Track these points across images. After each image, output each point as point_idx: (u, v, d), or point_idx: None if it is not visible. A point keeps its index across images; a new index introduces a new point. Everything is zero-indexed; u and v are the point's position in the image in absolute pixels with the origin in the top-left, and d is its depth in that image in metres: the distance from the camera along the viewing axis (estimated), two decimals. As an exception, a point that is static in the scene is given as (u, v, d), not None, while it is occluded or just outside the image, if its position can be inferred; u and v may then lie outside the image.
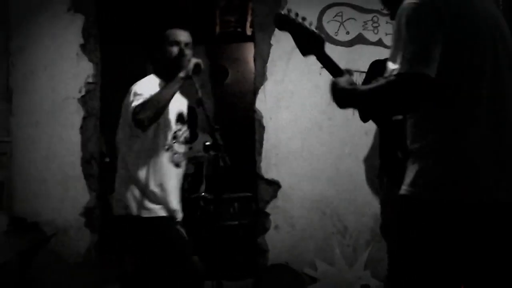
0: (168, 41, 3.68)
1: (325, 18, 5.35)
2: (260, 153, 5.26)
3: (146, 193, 3.54)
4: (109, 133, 6.41)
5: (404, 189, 2.25)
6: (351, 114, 5.24)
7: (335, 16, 5.37)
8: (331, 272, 5.24)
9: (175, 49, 3.65)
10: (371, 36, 5.35)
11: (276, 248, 5.23)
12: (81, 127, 5.20)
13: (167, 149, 3.63)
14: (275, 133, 5.24)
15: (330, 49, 5.25)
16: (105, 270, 5.45)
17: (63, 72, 5.20)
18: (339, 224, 5.29)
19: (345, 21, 5.38)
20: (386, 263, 5.24)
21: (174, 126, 3.68)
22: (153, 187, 3.56)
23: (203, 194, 5.90)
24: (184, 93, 3.84)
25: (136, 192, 3.55)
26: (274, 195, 5.24)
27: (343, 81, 2.49)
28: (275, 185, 5.24)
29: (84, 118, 5.20)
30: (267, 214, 5.22)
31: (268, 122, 5.22)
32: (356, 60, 5.30)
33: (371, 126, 5.26)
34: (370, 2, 5.33)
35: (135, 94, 3.47)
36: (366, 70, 5.01)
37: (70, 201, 5.16)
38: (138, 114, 3.36)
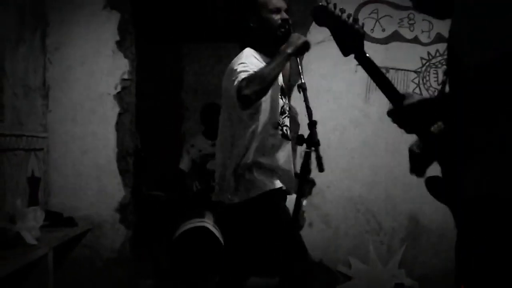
0: (266, 8, 3.41)
1: (360, 16, 5.32)
2: (295, 151, 5.25)
3: (263, 172, 3.37)
4: (144, 129, 6.51)
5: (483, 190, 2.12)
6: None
7: (370, 13, 5.34)
8: (365, 270, 5.22)
9: (277, 17, 3.40)
10: (407, 33, 5.31)
11: (310, 246, 5.20)
12: (117, 123, 5.22)
13: (277, 127, 3.44)
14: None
15: (366, 47, 5.25)
16: (140, 265, 5.49)
17: (99, 69, 5.22)
18: (374, 222, 5.27)
19: (380, 18, 5.34)
20: (420, 262, 5.22)
21: (280, 101, 3.48)
22: (272, 165, 3.40)
23: None
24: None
25: (253, 175, 3.36)
26: (309, 193, 5.23)
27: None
28: (310, 183, 5.22)
29: (120, 114, 5.23)
30: (302, 212, 5.20)
31: (303, 119, 5.20)
32: (392, 58, 5.27)
33: (406, 124, 5.22)
34: (405, -1, 5.30)
35: (237, 71, 3.22)
36: (402, 68, 5.02)
37: (105, 197, 5.19)
38: (243, 89, 3.10)
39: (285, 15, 3.43)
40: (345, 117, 5.29)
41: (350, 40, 2.47)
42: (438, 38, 5.21)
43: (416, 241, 5.27)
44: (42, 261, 4.06)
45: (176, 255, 5.29)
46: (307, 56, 5.24)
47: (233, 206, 3.39)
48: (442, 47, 5.22)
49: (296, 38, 3.30)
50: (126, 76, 5.23)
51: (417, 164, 2.52)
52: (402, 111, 2.33)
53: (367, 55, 2.36)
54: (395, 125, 5.30)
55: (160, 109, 8.37)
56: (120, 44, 5.25)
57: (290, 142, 3.55)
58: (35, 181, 4.91)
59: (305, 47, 3.33)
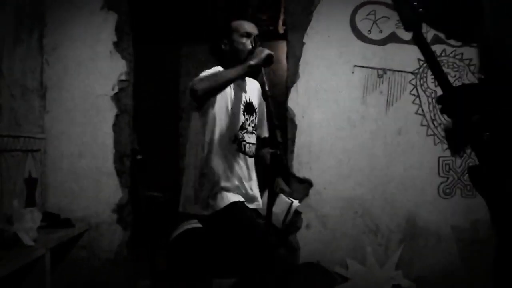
0: (239, 33, 3.65)
1: (358, 17, 5.32)
2: (292, 151, 5.25)
3: (219, 186, 3.50)
4: (142, 130, 6.50)
5: None
6: (384, 113, 5.23)
7: (368, 14, 5.34)
8: (362, 271, 5.22)
9: (247, 41, 3.62)
10: (404, 34, 5.30)
11: (308, 247, 5.22)
12: (114, 124, 5.22)
13: (234, 141, 3.58)
14: (307, 132, 5.22)
15: (363, 48, 5.31)
16: (137, 266, 5.48)
17: (97, 70, 5.22)
18: (371, 224, 5.27)
19: (378, 19, 5.34)
20: (418, 264, 5.23)
21: (241, 116, 3.63)
22: (224, 180, 3.52)
23: None
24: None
25: (209, 187, 3.52)
26: (306, 194, 5.23)
27: None
28: (307, 184, 5.23)
29: (117, 116, 5.23)
30: (299, 213, 5.20)
31: (301, 120, 5.21)
32: (389, 59, 5.28)
33: (404, 125, 5.23)
34: (404, 0, 5.30)
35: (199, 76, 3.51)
36: (399, 69, 5.02)
37: (103, 198, 5.19)
38: (194, 85, 3.37)
39: (253, 40, 3.65)
40: (342, 118, 5.29)
41: (412, 15, 2.35)
42: (435, 40, 5.21)
43: (413, 243, 5.27)
44: (39, 262, 4.06)
45: (173, 256, 5.29)
46: (304, 58, 5.27)
47: (204, 218, 3.61)
48: (439, 48, 5.22)
49: (260, 51, 3.50)
50: (123, 77, 5.23)
51: (454, 142, 2.53)
52: (452, 97, 2.26)
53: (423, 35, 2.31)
54: (392, 126, 5.33)
55: (157, 110, 8.36)
56: (117, 45, 5.25)
57: (248, 157, 3.68)
58: (32, 182, 4.91)
59: (269, 59, 3.50)
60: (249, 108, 3.72)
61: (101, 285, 5.13)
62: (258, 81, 3.78)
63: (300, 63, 5.29)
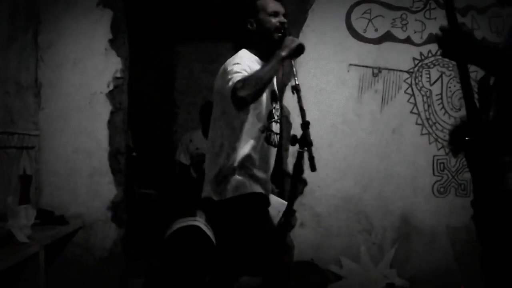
0: (265, 11, 3.47)
1: (353, 15, 5.33)
2: (286, 150, 5.26)
3: (247, 175, 3.38)
4: (136, 128, 6.50)
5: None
6: (379, 112, 5.24)
7: (363, 13, 5.35)
8: (356, 270, 5.22)
9: (275, 20, 3.45)
10: (399, 33, 5.32)
11: (302, 245, 5.22)
12: (109, 122, 5.21)
13: (263, 131, 3.43)
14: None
15: (359, 46, 5.31)
16: (131, 264, 5.48)
17: (92, 67, 5.21)
18: (365, 222, 5.28)
19: (373, 18, 5.35)
20: (412, 262, 5.24)
21: (270, 105, 3.49)
22: (256, 170, 3.41)
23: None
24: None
25: (237, 176, 3.36)
26: (300, 192, 5.23)
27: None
28: (301, 182, 5.22)
29: (112, 113, 5.22)
30: (293, 211, 5.20)
31: (295, 118, 5.20)
32: (384, 58, 5.30)
33: (398, 124, 5.24)
34: (399, -1, 5.33)
35: (232, 72, 3.23)
36: (394, 68, 5.04)
37: (97, 195, 5.18)
38: (239, 90, 3.10)
39: (283, 19, 3.49)
40: (337, 117, 5.30)
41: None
42: (431, 39, 5.22)
43: (407, 241, 5.28)
44: (33, 259, 4.05)
45: (167, 253, 5.29)
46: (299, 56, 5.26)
47: (221, 203, 3.40)
48: (434, 47, 5.23)
49: (290, 41, 3.34)
50: (118, 75, 5.22)
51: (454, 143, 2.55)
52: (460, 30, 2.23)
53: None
54: (387, 125, 5.34)
55: (152, 108, 8.37)
56: (112, 42, 5.24)
57: (272, 148, 3.56)
58: (27, 179, 4.90)
59: (299, 50, 3.36)
60: (274, 95, 3.59)
61: (95, 282, 5.12)
62: (286, 72, 3.59)
63: (295, 61, 5.28)
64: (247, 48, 3.52)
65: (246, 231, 3.36)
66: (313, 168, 2.97)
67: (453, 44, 2.14)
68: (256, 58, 3.46)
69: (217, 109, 3.47)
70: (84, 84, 5.21)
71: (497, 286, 2.33)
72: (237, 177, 3.38)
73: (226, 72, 3.29)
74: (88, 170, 5.19)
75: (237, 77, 3.18)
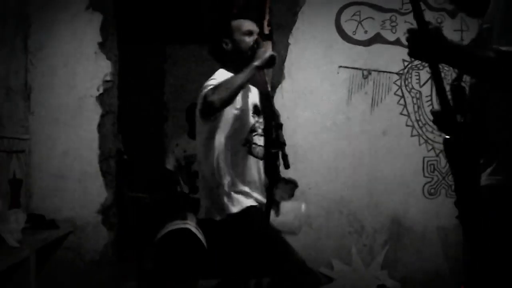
0: (240, 31, 3.64)
1: (343, 17, 5.34)
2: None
3: (234, 190, 3.50)
4: (127, 131, 6.49)
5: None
6: (369, 113, 5.25)
7: (353, 15, 5.35)
8: (348, 271, 5.23)
9: (249, 39, 3.62)
10: (389, 35, 5.33)
11: (292, 247, 5.22)
12: (99, 125, 5.20)
13: (245, 144, 3.56)
14: (292, 132, 5.22)
15: (348, 48, 5.32)
16: (122, 267, 5.47)
17: (82, 70, 5.20)
18: (356, 224, 5.28)
19: (363, 20, 5.36)
20: (403, 264, 5.25)
21: (251, 119, 3.61)
22: (239, 184, 3.52)
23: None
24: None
25: (223, 191, 3.49)
26: (291, 194, 5.24)
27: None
28: (292, 184, 5.23)
29: (102, 116, 5.21)
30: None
31: (286, 121, 5.20)
32: (374, 60, 5.30)
33: (388, 125, 5.25)
34: (388, 1, 5.33)
35: (207, 86, 3.42)
36: (384, 70, 5.05)
37: (88, 199, 5.17)
38: (209, 96, 3.29)
39: (255, 37, 3.66)
40: (327, 119, 5.30)
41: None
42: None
43: (398, 242, 5.29)
44: (24, 263, 4.03)
45: (158, 256, 5.28)
46: (289, 58, 5.28)
47: (222, 222, 3.53)
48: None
49: (263, 53, 3.50)
50: (108, 78, 5.22)
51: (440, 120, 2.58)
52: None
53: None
54: (377, 126, 5.35)
55: (142, 111, 8.36)
56: (102, 46, 5.23)
57: (258, 160, 3.66)
58: (17, 183, 4.88)
59: (271, 60, 3.52)
60: (257, 109, 3.70)
61: (87, 286, 5.11)
62: (258, 81, 3.76)
63: (285, 63, 5.30)
64: (223, 68, 3.68)
65: (252, 241, 3.45)
66: (286, 166, 3.07)
67: (419, 45, 2.19)
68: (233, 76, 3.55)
69: (200, 130, 3.60)
70: (74, 88, 5.20)
71: (478, 277, 2.37)
72: (230, 194, 3.51)
73: (202, 88, 3.47)
74: (79, 173, 5.18)
75: (209, 86, 3.38)
